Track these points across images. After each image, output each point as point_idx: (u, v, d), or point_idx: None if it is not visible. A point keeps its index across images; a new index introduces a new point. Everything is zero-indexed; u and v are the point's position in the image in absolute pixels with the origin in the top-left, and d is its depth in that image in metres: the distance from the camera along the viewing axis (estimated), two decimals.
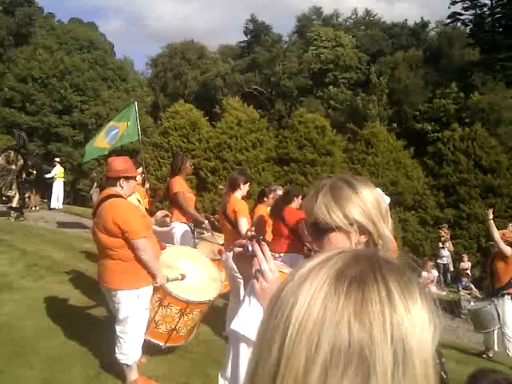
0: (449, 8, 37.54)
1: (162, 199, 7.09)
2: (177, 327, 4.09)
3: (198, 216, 5.68)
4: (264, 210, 5.79)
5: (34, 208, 12.96)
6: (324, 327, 0.51)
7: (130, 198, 4.18)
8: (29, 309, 5.06)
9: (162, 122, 23.94)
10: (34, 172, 11.88)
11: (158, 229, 4.73)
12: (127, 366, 3.65)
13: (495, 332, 6.23)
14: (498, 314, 6.06)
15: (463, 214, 20.20)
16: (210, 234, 6.09)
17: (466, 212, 20.17)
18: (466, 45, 34.94)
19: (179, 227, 5.42)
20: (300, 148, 21.01)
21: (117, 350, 3.64)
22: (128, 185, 3.75)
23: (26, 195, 11.89)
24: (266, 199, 5.90)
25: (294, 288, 0.56)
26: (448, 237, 13.42)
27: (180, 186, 5.52)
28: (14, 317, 4.81)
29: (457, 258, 13.60)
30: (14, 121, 29.50)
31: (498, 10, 36.57)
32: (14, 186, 10.95)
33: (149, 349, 4.00)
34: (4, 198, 11.61)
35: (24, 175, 11.06)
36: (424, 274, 10.68)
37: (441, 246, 13.02)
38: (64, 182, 15.55)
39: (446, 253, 12.97)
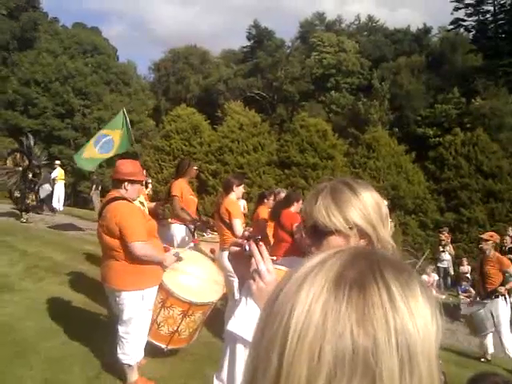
0: (451, 14, 37.62)
1: (163, 202, 7.10)
2: (179, 329, 4.09)
3: (187, 219, 5.55)
4: (265, 211, 5.82)
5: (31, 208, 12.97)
6: (326, 336, 0.49)
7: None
8: (29, 310, 5.07)
9: (163, 126, 24.02)
10: (41, 172, 11.95)
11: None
12: (128, 366, 3.65)
13: (490, 335, 6.25)
14: (492, 316, 6.09)
15: (464, 218, 20.20)
16: (209, 235, 6.10)
17: (466, 216, 20.17)
18: (468, 51, 35.01)
19: (179, 228, 5.44)
20: (301, 152, 21.05)
21: (119, 350, 3.64)
22: (133, 188, 3.76)
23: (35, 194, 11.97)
24: (266, 201, 5.93)
25: (291, 293, 0.53)
26: (448, 240, 13.39)
27: (179, 189, 5.50)
28: (15, 318, 4.82)
29: (456, 261, 13.59)
30: (16, 124, 29.66)
31: (501, 16, 36.61)
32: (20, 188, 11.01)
33: (149, 350, 4.00)
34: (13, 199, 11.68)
35: (31, 176, 11.11)
36: (424, 277, 10.67)
37: (441, 249, 13.00)
38: (65, 184, 15.62)
39: (446, 256, 12.94)
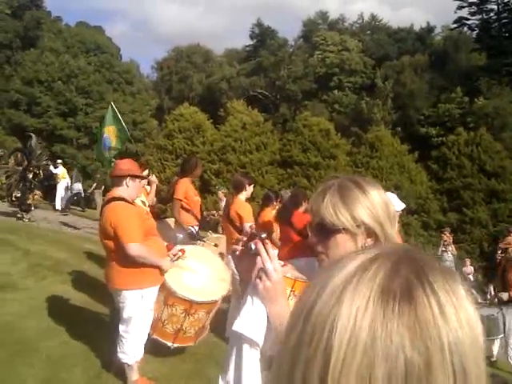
0: (455, 13, 37.45)
1: (165, 200, 7.09)
2: (183, 327, 4.08)
3: (184, 227, 5.48)
4: (270, 214, 5.66)
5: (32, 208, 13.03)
6: (376, 358, 0.44)
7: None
8: (31, 309, 5.08)
9: (166, 125, 24.02)
10: (41, 173, 11.96)
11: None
12: (128, 365, 3.66)
13: (497, 341, 6.20)
14: (504, 324, 6.02)
15: (466, 218, 20.14)
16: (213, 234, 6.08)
17: (469, 216, 20.11)
18: (472, 50, 34.88)
19: (181, 227, 5.40)
20: (304, 151, 21.03)
21: (118, 349, 3.65)
22: (134, 184, 3.76)
23: (33, 194, 11.99)
24: (274, 203, 5.74)
25: (330, 307, 0.47)
26: (450, 241, 13.36)
27: (183, 190, 5.36)
28: (17, 316, 4.83)
29: (459, 262, 13.57)
30: (20, 123, 29.74)
31: (505, 15, 36.44)
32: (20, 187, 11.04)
33: (151, 349, 4.00)
34: (13, 199, 11.71)
35: (31, 176, 11.13)
36: None
37: (443, 249, 12.97)
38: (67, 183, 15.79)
39: (449, 257, 12.92)
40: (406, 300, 0.46)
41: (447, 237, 13.30)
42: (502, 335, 6.05)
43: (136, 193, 3.86)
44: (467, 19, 37.63)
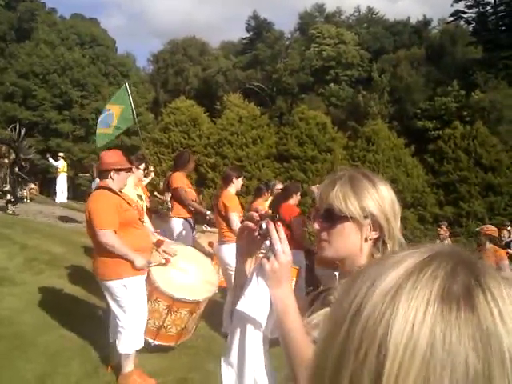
0: (451, 6, 37.37)
1: (160, 193, 7.11)
2: (165, 324, 4.09)
3: (201, 208, 5.68)
4: (262, 205, 5.80)
5: (25, 200, 12.96)
6: (437, 366, 0.41)
7: (128, 192, 4.19)
8: (28, 303, 5.07)
9: (162, 118, 23.93)
10: (27, 165, 11.83)
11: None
12: (125, 355, 3.64)
13: None
14: None
15: (462, 211, 20.23)
16: (208, 228, 6.11)
17: (465, 210, 20.20)
18: (468, 43, 34.87)
19: (178, 222, 5.44)
20: (300, 145, 21.01)
21: (116, 340, 3.66)
22: (119, 177, 3.77)
23: (29, 187, 11.91)
24: (264, 194, 5.93)
25: (382, 309, 0.43)
26: (447, 235, 13.41)
27: (180, 181, 5.55)
28: (13, 311, 4.83)
29: None
30: (14, 116, 29.54)
31: (502, 8, 36.44)
32: (8, 181, 10.89)
33: (148, 344, 4.01)
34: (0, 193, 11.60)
35: (17, 169, 10.99)
36: None
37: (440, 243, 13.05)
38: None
39: None
40: (467, 306, 0.43)
41: (444, 231, 13.33)
42: None
43: (122, 183, 3.85)
44: (464, 12, 37.61)
